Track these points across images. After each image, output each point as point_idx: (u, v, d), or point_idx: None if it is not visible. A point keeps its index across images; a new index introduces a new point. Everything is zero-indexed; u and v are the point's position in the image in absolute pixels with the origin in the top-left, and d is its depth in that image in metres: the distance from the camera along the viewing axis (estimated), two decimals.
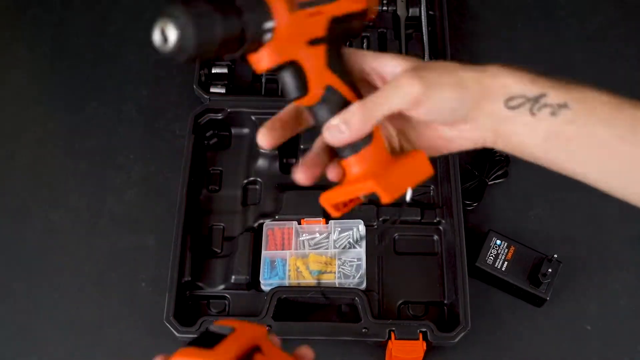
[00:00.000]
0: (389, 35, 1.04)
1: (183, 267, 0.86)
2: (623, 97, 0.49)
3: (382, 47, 1.04)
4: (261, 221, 0.91)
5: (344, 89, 0.48)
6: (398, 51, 1.03)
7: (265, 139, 0.49)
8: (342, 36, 0.49)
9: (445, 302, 0.86)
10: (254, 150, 0.96)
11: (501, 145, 0.51)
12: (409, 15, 1.06)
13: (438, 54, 1.01)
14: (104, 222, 0.94)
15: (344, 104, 0.48)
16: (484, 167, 0.94)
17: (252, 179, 0.95)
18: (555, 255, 0.84)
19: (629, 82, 1.03)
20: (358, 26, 0.50)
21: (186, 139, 0.94)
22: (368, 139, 0.49)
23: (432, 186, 0.94)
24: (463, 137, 0.51)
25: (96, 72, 1.06)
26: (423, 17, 1.05)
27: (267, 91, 1.01)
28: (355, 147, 0.49)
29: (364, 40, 1.04)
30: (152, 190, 0.97)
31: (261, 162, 0.96)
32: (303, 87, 0.46)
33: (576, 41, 1.08)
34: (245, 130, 0.98)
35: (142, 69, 1.06)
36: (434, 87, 0.47)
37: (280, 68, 0.45)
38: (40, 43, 1.10)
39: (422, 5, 1.05)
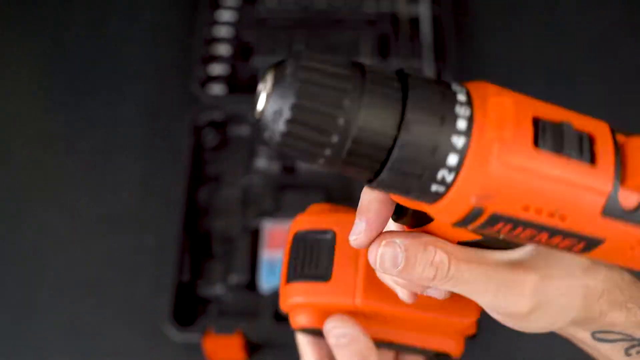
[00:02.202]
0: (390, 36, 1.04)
1: (182, 267, 0.86)
2: None
3: (383, 47, 1.03)
4: (260, 221, 0.91)
5: None
6: (399, 52, 1.02)
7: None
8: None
9: None
10: (253, 150, 0.96)
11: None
12: (411, 15, 1.06)
13: (439, 54, 1.01)
14: (102, 223, 0.94)
15: None
16: None
17: (251, 179, 0.95)
18: None
19: (634, 81, 1.03)
20: None
21: (185, 138, 0.94)
22: None
23: None
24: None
25: (95, 72, 1.06)
26: (425, 17, 1.05)
27: None
28: None
29: (362, 41, 1.04)
30: (151, 190, 0.96)
31: (260, 162, 0.95)
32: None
33: (580, 40, 1.08)
34: (245, 130, 0.98)
35: (142, 69, 1.06)
36: (545, 306, 0.34)
37: None
38: (39, 43, 1.10)
39: (424, 5, 1.05)
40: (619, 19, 1.10)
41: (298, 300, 0.41)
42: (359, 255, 0.42)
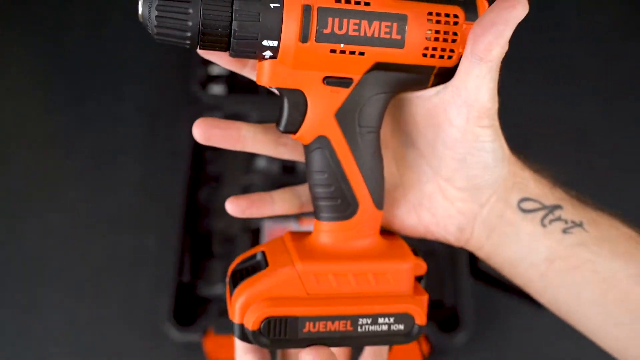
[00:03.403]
0: None
1: (183, 267, 0.86)
2: None
3: None
4: (260, 221, 0.91)
5: (341, 149, 0.42)
6: None
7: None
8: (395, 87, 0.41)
9: (447, 304, 0.86)
10: None
11: (487, 251, 0.44)
12: None
13: None
14: (102, 223, 0.94)
15: (333, 165, 0.42)
16: None
17: (251, 178, 0.95)
18: None
19: (634, 80, 1.03)
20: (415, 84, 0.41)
21: (186, 139, 0.94)
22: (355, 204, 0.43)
23: None
24: (448, 220, 0.43)
25: (95, 72, 1.06)
26: None
27: (267, 91, 1.00)
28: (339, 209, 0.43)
29: None
30: (152, 190, 0.96)
31: (261, 162, 0.95)
32: (293, 123, 0.42)
33: (580, 39, 1.08)
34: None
35: (142, 69, 1.06)
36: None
37: (282, 91, 0.41)
38: (40, 43, 1.10)
39: None
40: (619, 19, 1.10)
41: (246, 296, 0.41)
42: (285, 242, 0.44)
